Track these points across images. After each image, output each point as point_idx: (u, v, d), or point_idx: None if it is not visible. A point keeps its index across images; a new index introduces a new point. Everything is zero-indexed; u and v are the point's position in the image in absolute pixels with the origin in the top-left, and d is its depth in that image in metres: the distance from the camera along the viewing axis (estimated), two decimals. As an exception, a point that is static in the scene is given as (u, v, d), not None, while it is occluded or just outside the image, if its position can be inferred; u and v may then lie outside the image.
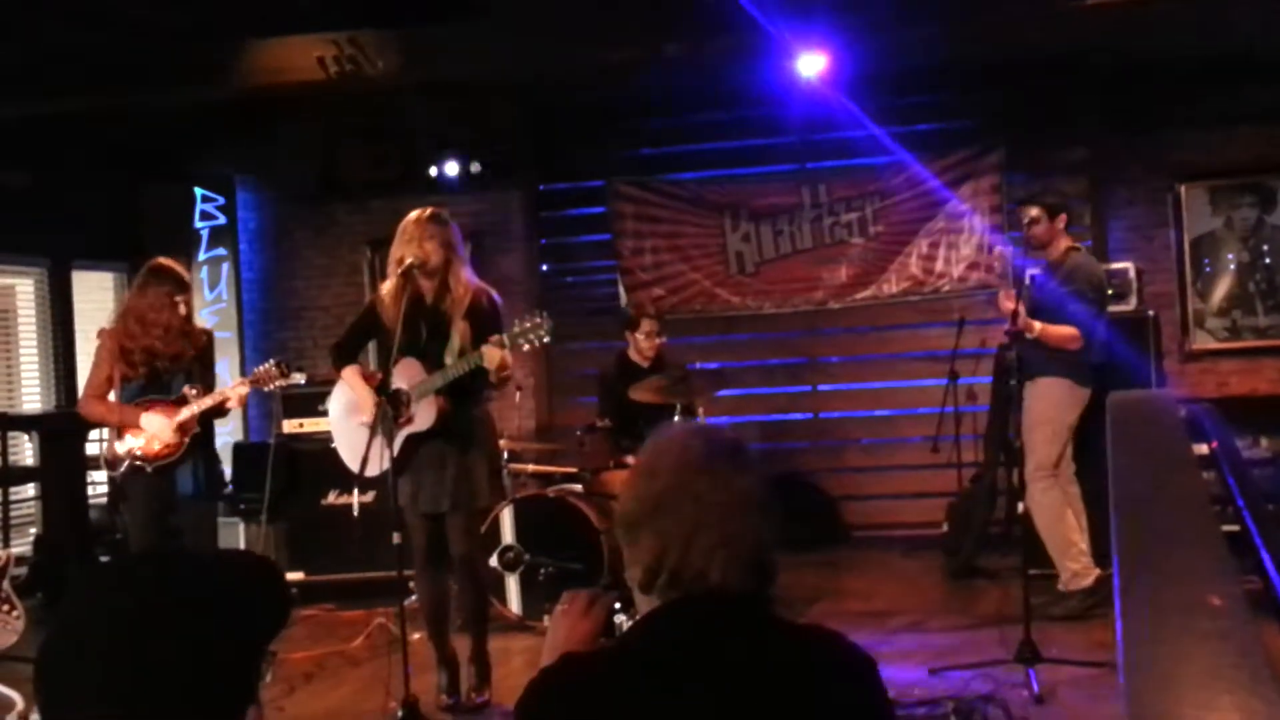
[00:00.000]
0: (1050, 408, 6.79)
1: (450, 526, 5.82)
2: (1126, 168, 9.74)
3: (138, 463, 6.17)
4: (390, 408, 5.61)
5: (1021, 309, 6.83)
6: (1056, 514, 6.83)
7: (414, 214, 5.81)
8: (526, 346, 5.65)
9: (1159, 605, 1.79)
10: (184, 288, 6.24)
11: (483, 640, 6.04)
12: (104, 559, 9.13)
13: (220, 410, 6.32)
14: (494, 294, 5.94)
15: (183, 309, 6.22)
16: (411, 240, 5.70)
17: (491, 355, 5.52)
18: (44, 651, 1.58)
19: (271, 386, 6.39)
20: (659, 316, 8.60)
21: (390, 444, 5.57)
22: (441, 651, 5.99)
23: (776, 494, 2.10)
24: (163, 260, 6.33)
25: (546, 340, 5.65)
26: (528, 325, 5.57)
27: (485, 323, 5.75)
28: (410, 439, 5.74)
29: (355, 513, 6.10)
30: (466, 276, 5.82)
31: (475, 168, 9.98)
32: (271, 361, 6.32)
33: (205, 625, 1.58)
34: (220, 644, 1.58)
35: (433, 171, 9.98)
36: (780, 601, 2.04)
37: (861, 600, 7.93)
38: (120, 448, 6.23)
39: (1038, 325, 6.70)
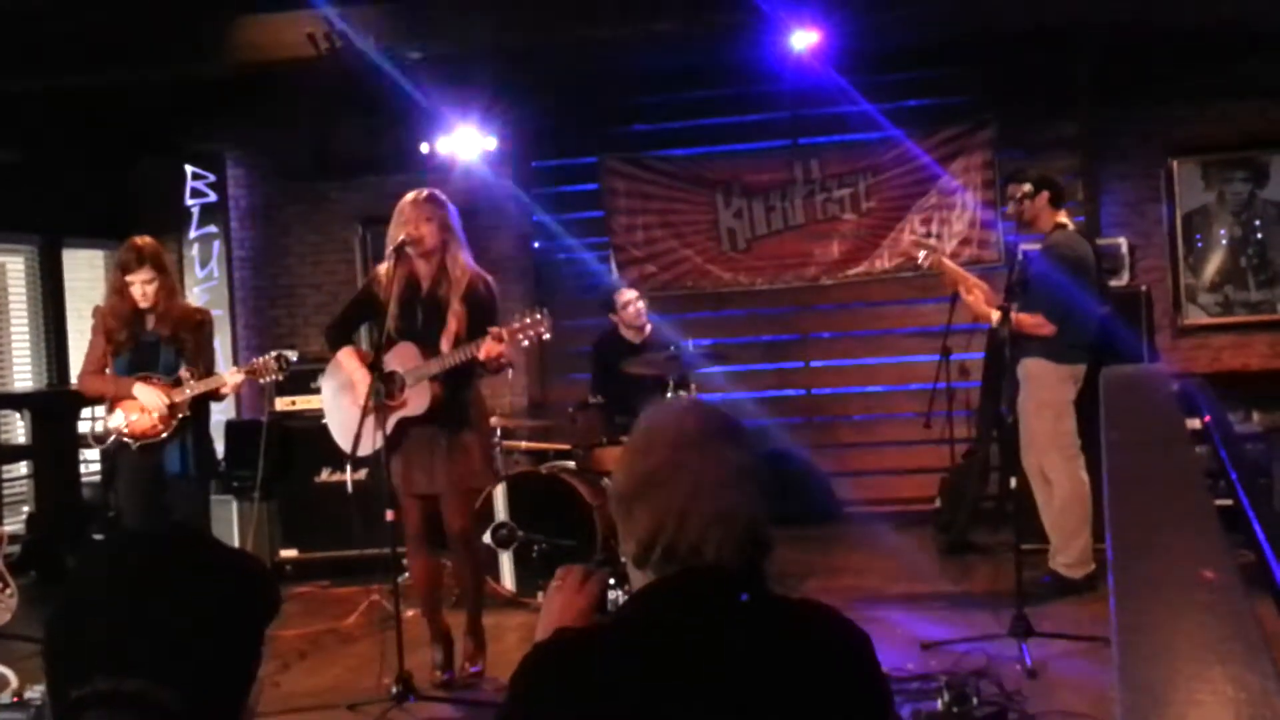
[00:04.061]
0: (1042, 389, 6.78)
1: (445, 506, 5.83)
2: (1119, 142, 9.72)
3: (124, 439, 6.16)
4: (382, 385, 5.60)
5: (976, 301, 6.82)
6: (1081, 496, 6.78)
7: (411, 195, 5.78)
8: (525, 342, 5.64)
9: (1152, 579, 1.79)
10: (140, 264, 6.08)
11: (477, 614, 6.06)
12: (97, 536, 9.12)
13: (214, 395, 6.32)
14: (491, 281, 5.91)
15: (138, 289, 6.11)
16: (408, 222, 5.68)
17: (490, 348, 5.51)
18: (51, 621, 1.58)
19: (268, 379, 6.38)
20: (637, 285, 8.64)
21: (383, 423, 5.56)
22: (435, 628, 6.01)
23: (769, 469, 2.10)
24: (134, 239, 6.26)
25: (546, 337, 5.64)
26: (528, 321, 5.56)
27: (482, 309, 5.74)
28: (402, 421, 5.74)
29: (350, 490, 6.09)
30: (464, 260, 5.80)
31: (467, 144, 9.94)
32: (270, 355, 6.28)
33: (210, 597, 1.59)
34: (225, 617, 1.60)
35: (424, 148, 9.95)
36: (773, 577, 2.05)
37: (854, 576, 7.96)
38: (108, 423, 6.23)
39: (995, 315, 6.69)
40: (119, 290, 6.18)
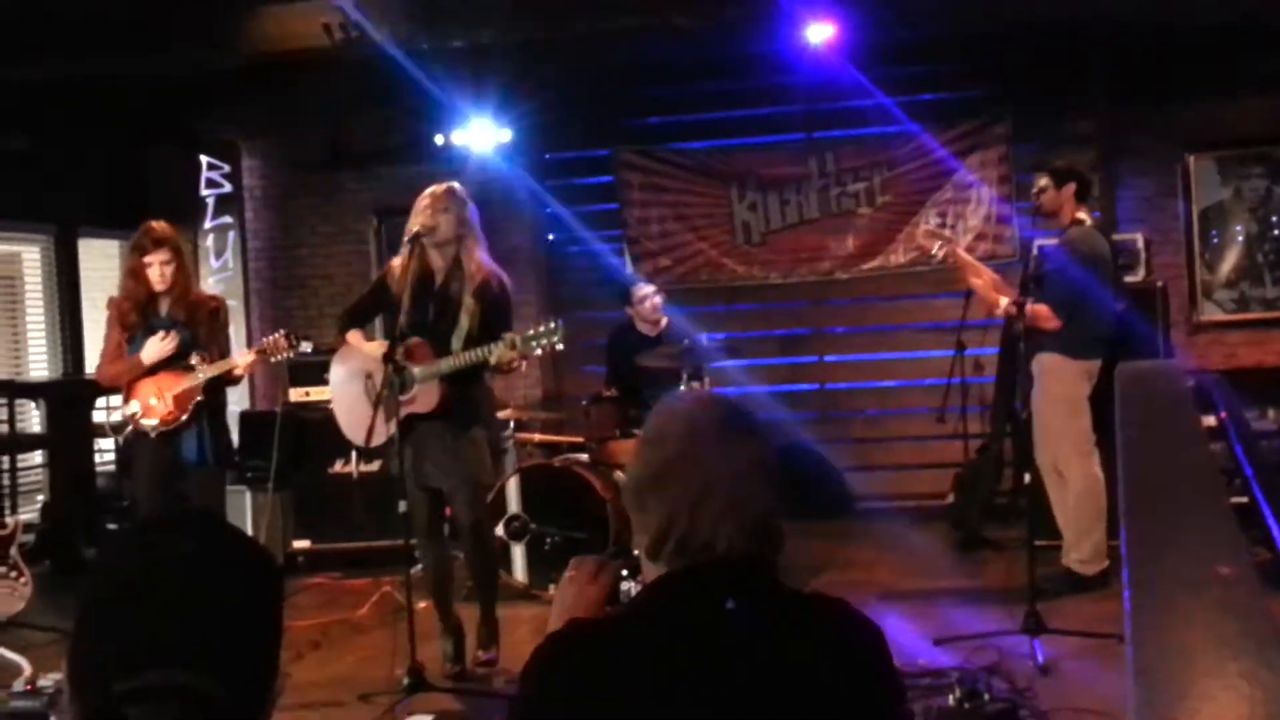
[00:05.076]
0: (1056, 384, 6.76)
1: (454, 500, 5.85)
2: (1135, 138, 9.69)
3: (141, 427, 6.16)
4: (397, 378, 5.60)
5: (984, 285, 6.80)
6: (1095, 492, 6.76)
7: (432, 187, 5.82)
8: (539, 351, 5.65)
9: (1167, 576, 1.79)
10: (158, 246, 6.09)
11: (491, 603, 6.07)
12: (111, 526, 9.15)
13: (229, 379, 6.31)
14: (505, 279, 5.91)
15: (156, 271, 6.12)
16: (424, 211, 5.70)
17: (503, 355, 5.52)
18: (88, 612, 1.56)
19: (279, 357, 6.36)
20: (652, 278, 8.65)
21: (396, 413, 5.57)
22: (446, 620, 6.01)
23: (782, 463, 2.09)
24: (149, 223, 6.27)
25: (560, 347, 5.64)
26: (542, 329, 5.57)
27: (494, 307, 5.75)
28: (411, 415, 5.74)
29: (355, 476, 6.09)
30: (480, 257, 5.81)
31: (482, 136, 9.94)
32: (280, 332, 6.28)
33: (244, 584, 1.60)
34: (258, 604, 1.61)
35: (439, 140, 9.96)
36: (786, 571, 2.04)
37: (867, 571, 7.94)
38: (124, 412, 6.23)
39: (1002, 301, 6.65)
40: (134, 272, 6.18)
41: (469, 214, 5.80)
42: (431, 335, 5.74)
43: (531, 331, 5.57)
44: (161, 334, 6.11)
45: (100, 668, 1.51)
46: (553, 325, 5.58)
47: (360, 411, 5.66)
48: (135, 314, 6.18)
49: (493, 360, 5.55)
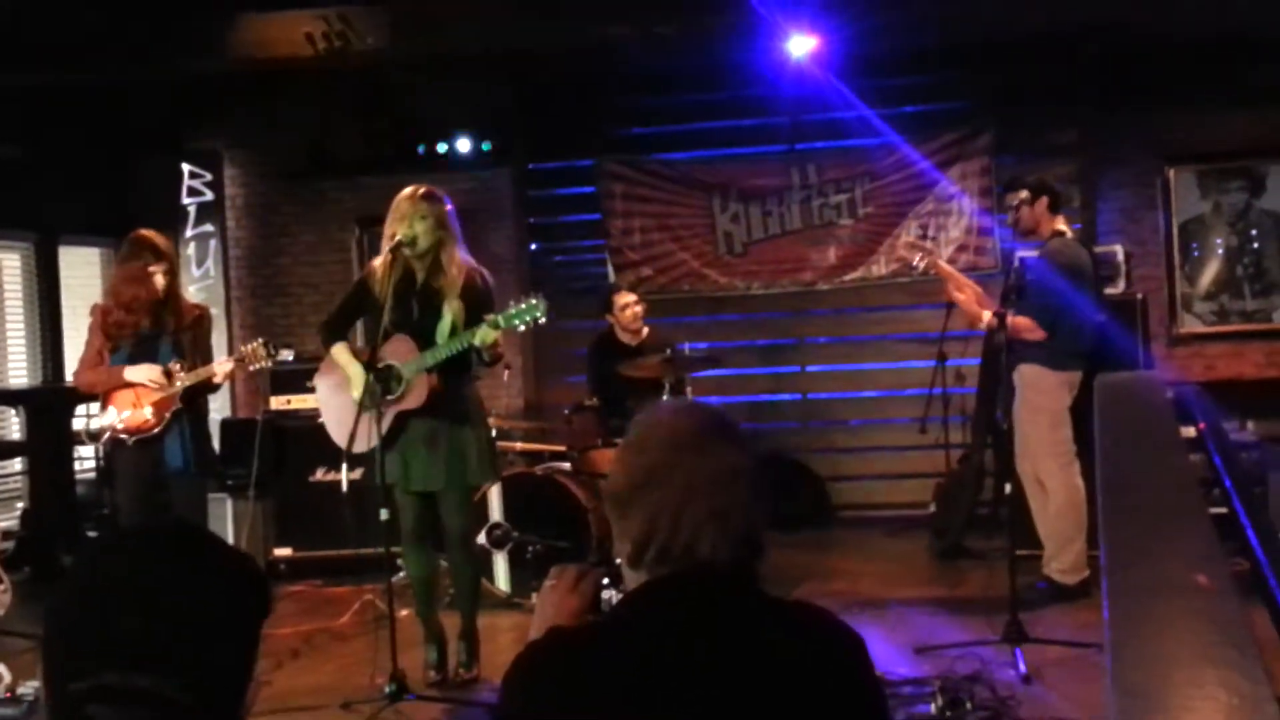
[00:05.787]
0: (1038, 395, 6.78)
1: (444, 503, 5.82)
2: (1116, 150, 9.73)
3: (118, 435, 6.14)
4: (379, 384, 5.59)
5: (967, 300, 6.83)
6: (1076, 502, 6.78)
7: (407, 190, 5.75)
8: (522, 327, 5.63)
9: (1146, 585, 1.80)
10: (159, 258, 6.12)
11: (473, 616, 6.05)
12: (91, 534, 9.12)
13: (208, 386, 6.30)
14: (486, 274, 5.91)
15: (159, 280, 6.12)
16: (403, 219, 5.66)
17: (485, 335, 5.50)
18: (58, 612, 1.58)
19: (257, 366, 6.33)
20: (634, 287, 8.64)
21: (379, 420, 5.55)
22: (429, 628, 6.00)
23: (764, 473, 2.10)
24: (142, 231, 6.26)
25: (542, 321, 5.61)
26: (523, 306, 5.54)
27: (479, 302, 5.72)
28: (400, 415, 5.72)
29: (344, 488, 6.06)
30: (460, 257, 5.78)
31: (465, 145, 9.95)
32: (259, 341, 6.26)
33: (219, 593, 1.61)
34: (232, 613, 1.61)
35: (422, 149, 9.95)
36: (768, 581, 2.05)
37: (849, 580, 7.95)
38: (101, 421, 6.21)
39: (986, 315, 6.70)
40: (140, 279, 6.13)
41: (447, 217, 5.76)
42: (416, 333, 5.72)
43: (513, 309, 5.54)
44: (160, 369, 6.09)
45: (63, 666, 1.53)
46: (534, 301, 5.55)
47: (348, 417, 5.63)
48: (138, 320, 6.15)
49: (476, 342, 5.51)
